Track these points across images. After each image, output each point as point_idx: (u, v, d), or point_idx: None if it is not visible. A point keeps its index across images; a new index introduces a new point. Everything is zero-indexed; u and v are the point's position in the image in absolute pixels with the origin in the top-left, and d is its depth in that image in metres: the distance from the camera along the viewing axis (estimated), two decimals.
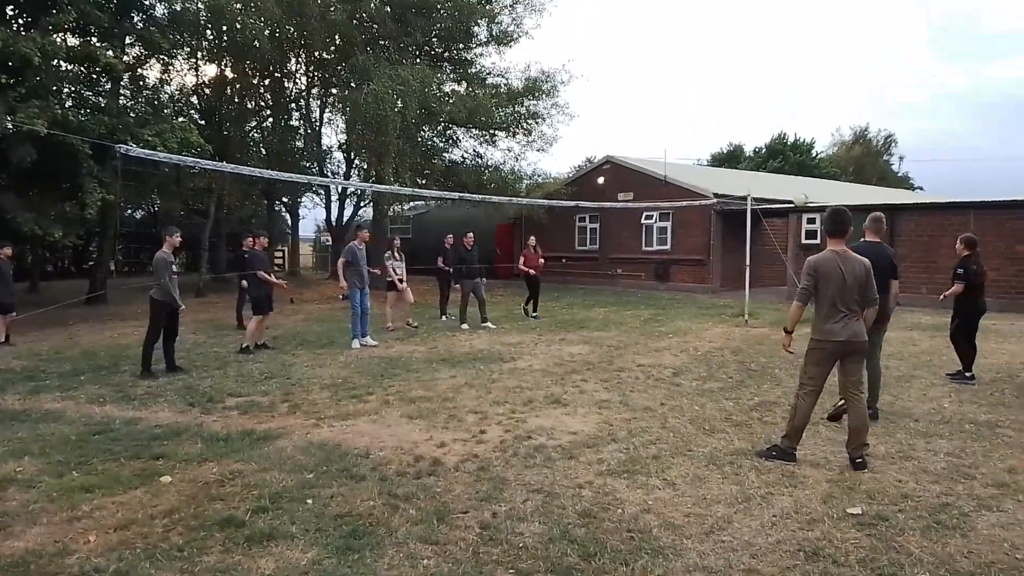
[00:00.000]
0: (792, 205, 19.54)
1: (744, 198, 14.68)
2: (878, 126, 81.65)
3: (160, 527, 4.09)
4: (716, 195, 19.96)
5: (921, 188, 53.23)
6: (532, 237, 16.10)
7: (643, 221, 23.25)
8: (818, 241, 17.71)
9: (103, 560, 3.68)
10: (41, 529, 4.08)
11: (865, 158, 55.58)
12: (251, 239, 12.17)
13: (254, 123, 23.98)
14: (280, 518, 4.21)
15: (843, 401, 5.69)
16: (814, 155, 49.05)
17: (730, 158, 50.81)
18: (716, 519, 4.18)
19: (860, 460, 5.05)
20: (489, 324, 13.40)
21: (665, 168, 23.01)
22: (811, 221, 18.96)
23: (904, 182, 55.67)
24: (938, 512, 4.26)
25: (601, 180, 24.59)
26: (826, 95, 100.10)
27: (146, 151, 8.36)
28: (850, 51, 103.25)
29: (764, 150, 49.36)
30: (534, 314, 15.08)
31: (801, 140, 49.06)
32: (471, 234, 14.19)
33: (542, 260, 15.52)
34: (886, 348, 10.30)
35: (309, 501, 4.48)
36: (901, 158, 59.65)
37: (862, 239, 6.47)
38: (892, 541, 3.86)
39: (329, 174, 24.56)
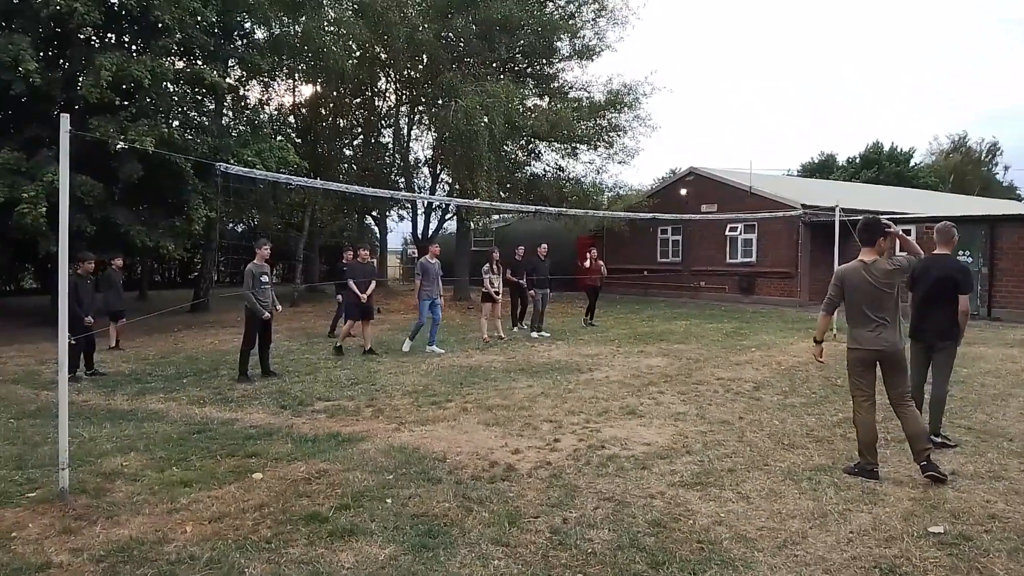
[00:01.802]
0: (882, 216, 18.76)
1: (832, 209, 14.23)
2: (980, 134, 77.26)
3: (250, 520, 4.38)
4: (804, 206, 19.40)
5: None
6: (593, 249, 16.68)
7: (727, 233, 22.82)
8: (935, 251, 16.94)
9: (198, 549, 3.96)
10: (143, 519, 4.42)
11: (966, 167, 52.70)
12: (350, 251, 12.85)
13: (346, 140, 24.93)
14: (361, 515, 4.43)
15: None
16: (912, 165, 46.89)
17: (822, 168, 49.18)
18: (790, 533, 4.13)
19: (926, 464, 4.94)
20: (544, 333, 13.85)
21: (751, 179, 22.54)
22: (906, 232, 18.13)
23: (1011, 192, 52.44)
24: None
25: (684, 192, 24.30)
26: (925, 103, 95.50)
27: (244, 169, 8.87)
28: (948, 56, 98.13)
29: (858, 160, 47.55)
30: (591, 322, 15.73)
31: (898, 149, 47.01)
32: (544, 245, 14.73)
33: (602, 264, 16.06)
34: (982, 365, 9.91)
35: (388, 501, 4.68)
36: (1007, 167, 56.36)
37: (933, 251, 6.05)
38: (975, 562, 3.72)
39: (416, 188, 25.24)
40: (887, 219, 6.01)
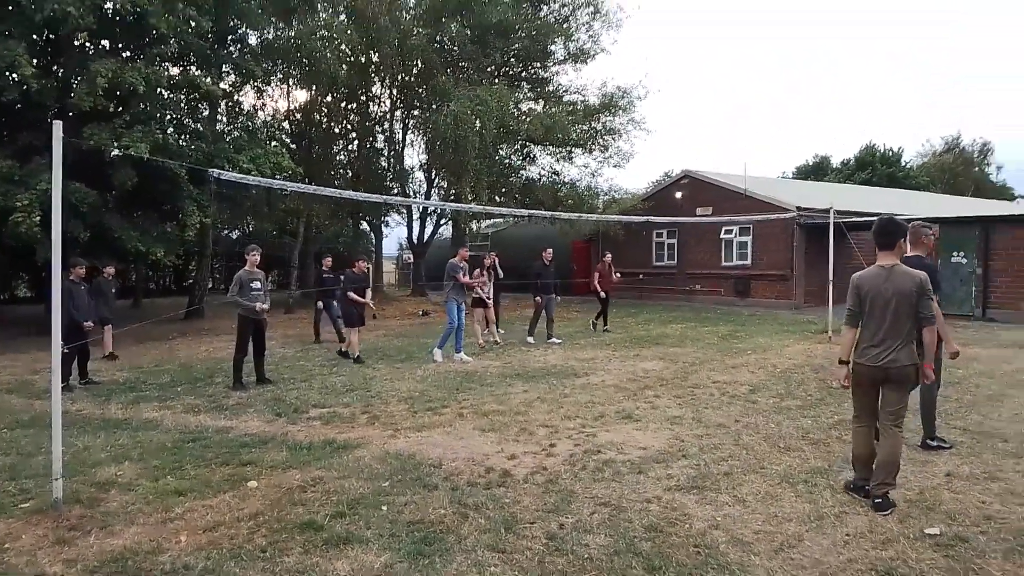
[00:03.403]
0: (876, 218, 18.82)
1: (826, 211, 14.28)
2: (972, 135, 77.64)
3: (246, 529, 4.36)
4: (799, 208, 19.45)
5: (1023, 197, 50.24)
6: (608, 255, 16.12)
7: (722, 236, 22.85)
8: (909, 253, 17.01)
9: (192, 559, 3.95)
10: (138, 529, 4.41)
11: (958, 167, 52.85)
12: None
13: (341, 145, 24.93)
14: (356, 523, 4.41)
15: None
16: (903, 165, 47.04)
17: (816, 170, 49.31)
18: (786, 536, 4.13)
19: (880, 500, 4.48)
20: (555, 340, 13.52)
21: (745, 181, 22.59)
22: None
23: (1004, 192, 52.63)
24: None
25: (679, 195, 24.32)
26: (917, 104, 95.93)
27: (237, 175, 8.86)
28: (939, 58, 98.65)
29: (852, 162, 47.68)
30: (605, 328, 15.17)
31: (890, 150, 47.18)
32: (550, 250, 14.41)
33: (618, 275, 15.57)
34: (976, 366, 9.93)
35: (384, 508, 4.66)
36: (999, 167, 56.57)
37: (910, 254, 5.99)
38: (971, 563, 3.73)
39: (411, 193, 25.24)
40: (919, 222, 5.94)
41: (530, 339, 13.57)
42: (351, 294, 11.35)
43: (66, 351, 6.54)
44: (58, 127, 4.70)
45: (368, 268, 12.75)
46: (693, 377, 9.58)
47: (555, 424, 6.99)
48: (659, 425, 6.93)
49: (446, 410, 7.70)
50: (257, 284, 9.30)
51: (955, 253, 17.44)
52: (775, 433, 6.54)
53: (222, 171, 7.71)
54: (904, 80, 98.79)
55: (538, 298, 13.86)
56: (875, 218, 5.07)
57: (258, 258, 9.57)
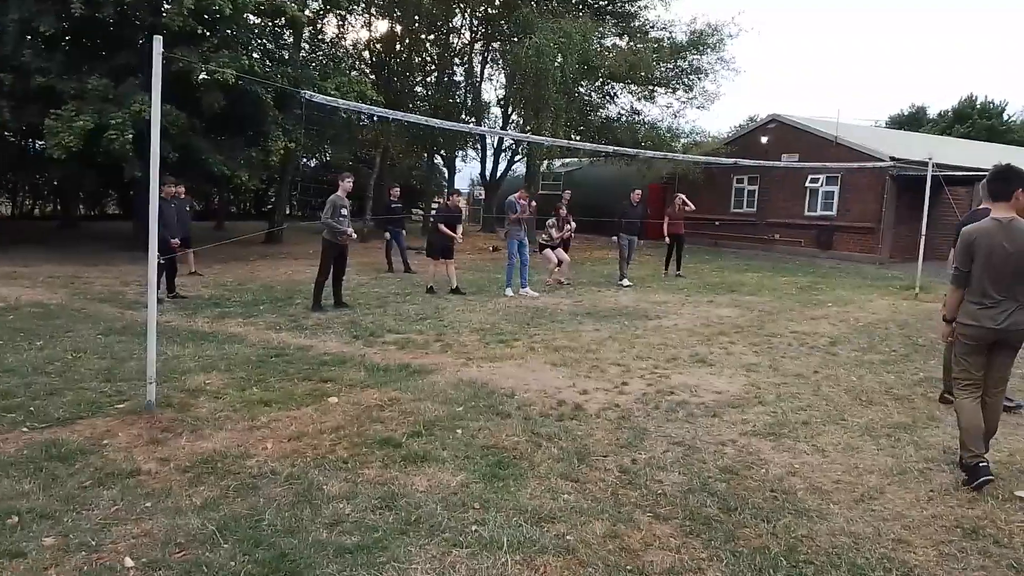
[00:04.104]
0: (977, 173, 17.70)
1: (924, 163, 13.48)
2: None
3: (328, 441, 4.52)
4: (893, 159, 18.44)
5: None
6: (679, 195, 15.60)
7: (808, 184, 21.91)
8: (979, 206, 15.98)
9: (278, 465, 4.11)
10: (226, 434, 4.62)
11: None
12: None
13: (419, 77, 24.80)
14: (432, 443, 4.51)
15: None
16: (1006, 119, 43.85)
17: (911, 121, 46.50)
18: (867, 488, 4.02)
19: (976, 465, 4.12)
20: (627, 282, 13.30)
21: (837, 128, 21.50)
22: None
23: None
24: None
25: (765, 139, 23.35)
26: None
27: (327, 98, 8.92)
28: None
29: (950, 114, 44.76)
30: (678, 272, 14.85)
31: (991, 102, 44.01)
32: (639, 191, 14.15)
33: (689, 206, 15.01)
34: None
35: (459, 431, 4.75)
36: None
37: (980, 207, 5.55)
38: None
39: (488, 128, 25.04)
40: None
41: (625, 281, 13.20)
42: (441, 226, 11.45)
43: (162, 262, 6.82)
44: (158, 42, 4.80)
45: (462, 203, 12.77)
46: (770, 326, 9.34)
47: (627, 363, 6.95)
48: (734, 371, 6.80)
49: (517, 343, 7.75)
50: (345, 210, 9.50)
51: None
52: (856, 386, 6.34)
53: (313, 94, 7.71)
54: (1013, 26, 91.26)
55: (621, 239, 13.51)
56: (974, 172, 4.65)
57: (351, 185, 9.85)
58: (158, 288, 9.65)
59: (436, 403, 5.38)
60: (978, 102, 44.29)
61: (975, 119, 42.50)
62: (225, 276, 12.79)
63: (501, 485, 3.91)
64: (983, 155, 25.63)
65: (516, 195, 12.19)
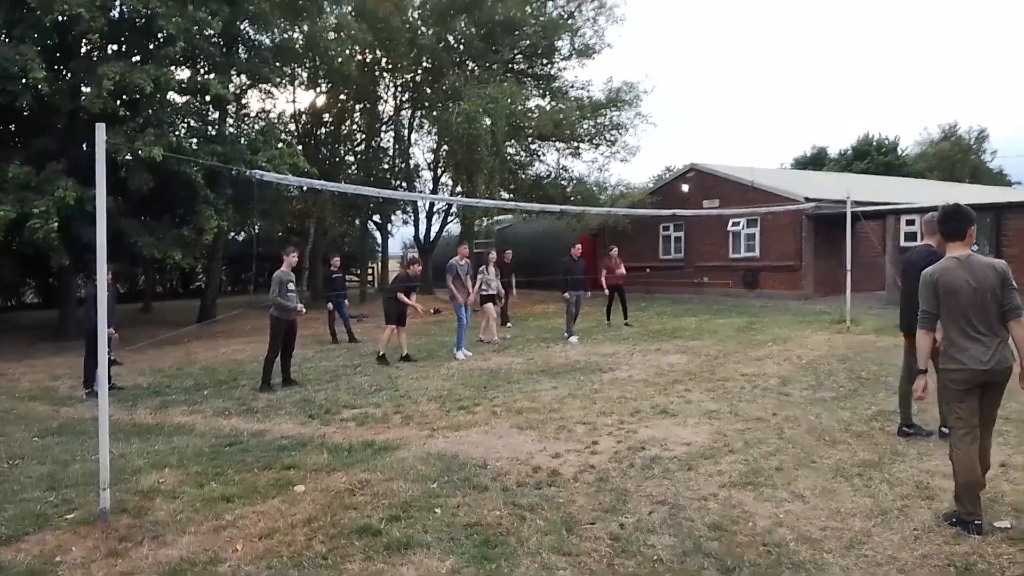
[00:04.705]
0: (889, 207, 18.78)
1: (839, 201, 14.21)
2: (968, 123, 77.54)
3: (302, 535, 4.28)
4: (808, 199, 19.38)
5: (1019, 183, 50.16)
6: (613, 248, 16.01)
7: (730, 228, 22.76)
8: (919, 242, 16.99)
9: (253, 568, 3.86)
10: (190, 538, 4.32)
11: (956, 155, 52.63)
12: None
13: (348, 146, 24.84)
14: (413, 527, 4.35)
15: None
16: (900, 154, 47.01)
17: (814, 161, 49.24)
18: (854, 532, 4.07)
19: (979, 523, 4.05)
20: (574, 339, 13.15)
21: (752, 172, 22.51)
22: (910, 223, 18.18)
23: (1000, 178, 52.45)
24: None
25: (685, 188, 24.23)
26: (914, 93, 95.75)
27: (278, 176, 8.84)
28: (934, 45, 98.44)
29: (850, 152, 47.67)
30: (625, 322, 15.05)
31: (886, 139, 47.19)
32: (579, 245, 14.30)
33: (622, 270, 15.37)
34: None
35: (438, 511, 4.60)
36: (993, 152, 56.26)
37: (920, 243, 5.92)
38: None
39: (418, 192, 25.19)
40: (932, 214, 5.84)
41: (573, 339, 13.08)
42: (400, 295, 11.33)
43: (112, 357, 6.48)
44: (101, 129, 4.66)
45: (419, 270, 12.60)
46: (720, 370, 9.52)
47: (591, 420, 6.93)
48: (697, 419, 6.87)
49: (478, 408, 7.64)
50: (292, 285, 9.35)
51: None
52: (816, 426, 6.48)
53: (264, 172, 7.60)
54: (901, 70, 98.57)
55: (567, 295, 13.53)
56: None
57: (295, 260, 9.72)
58: (94, 381, 9.22)
59: (408, 481, 5.21)
60: (874, 140, 47.31)
61: (873, 155, 45.34)
62: (161, 361, 12.20)
63: (493, 567, 3.78)
64: (889, 189, 27.26)
65: (457, 256, 12.21)
